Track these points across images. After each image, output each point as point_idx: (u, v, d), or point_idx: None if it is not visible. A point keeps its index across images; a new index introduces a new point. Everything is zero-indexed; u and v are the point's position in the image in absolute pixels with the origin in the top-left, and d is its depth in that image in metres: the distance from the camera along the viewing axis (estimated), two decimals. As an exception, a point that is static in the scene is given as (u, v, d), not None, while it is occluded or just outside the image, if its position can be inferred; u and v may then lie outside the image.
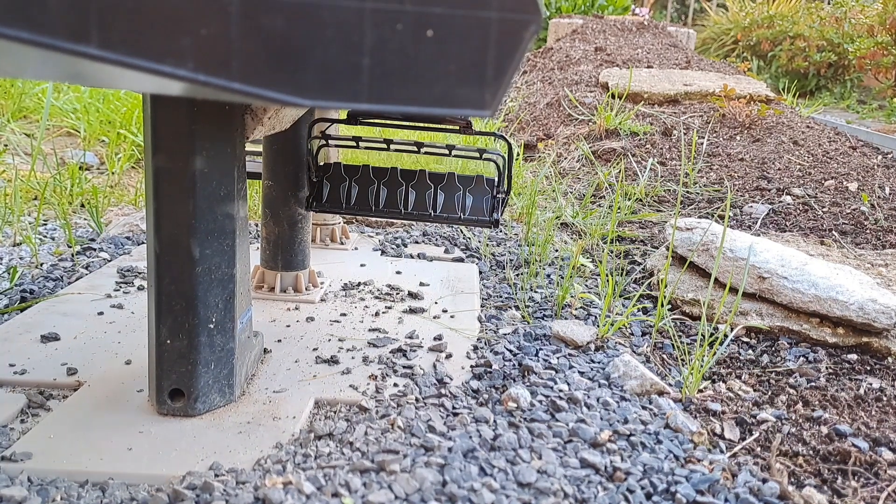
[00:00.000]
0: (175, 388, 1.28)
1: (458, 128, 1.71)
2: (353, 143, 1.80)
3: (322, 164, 1.86)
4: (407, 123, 1.80)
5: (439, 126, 1.74)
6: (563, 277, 2.16)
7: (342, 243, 2.45)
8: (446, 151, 1.75)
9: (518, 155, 3.72)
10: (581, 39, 7.27)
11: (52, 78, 0.81)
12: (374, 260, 2.32)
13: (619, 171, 3.50)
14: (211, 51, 0.59)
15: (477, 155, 1.77)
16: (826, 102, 8.53)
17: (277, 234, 1.88)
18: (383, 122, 1.92)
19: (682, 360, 1.71)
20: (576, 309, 1.95)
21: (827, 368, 1.69)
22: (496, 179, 1.80)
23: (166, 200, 1.21)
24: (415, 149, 1.74)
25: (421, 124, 1.78)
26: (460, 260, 2.40)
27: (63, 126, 3.74)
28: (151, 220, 1.23)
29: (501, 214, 1.78)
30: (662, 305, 1.79)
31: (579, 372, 1.57)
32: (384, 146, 1.76)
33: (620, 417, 1.39)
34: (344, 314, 1.83)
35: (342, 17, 0.61)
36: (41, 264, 2.11)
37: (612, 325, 1.78)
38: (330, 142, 1.84)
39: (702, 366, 1.59)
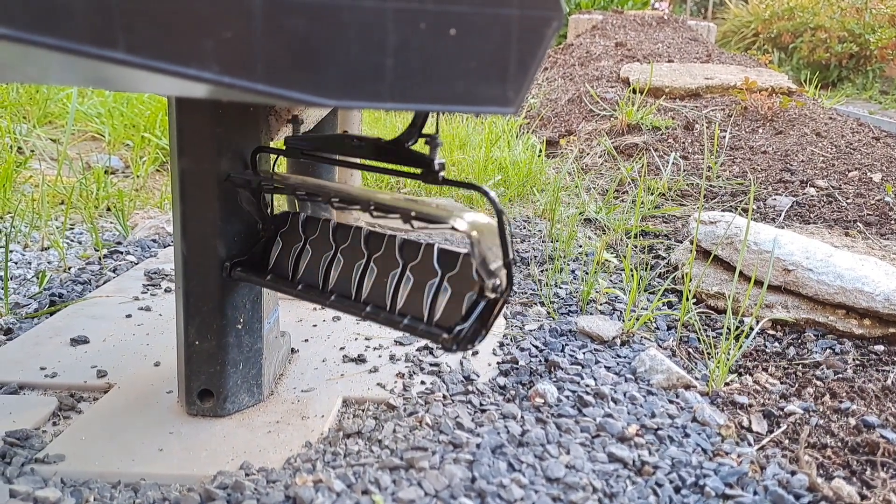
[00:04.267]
0: (204, 389, 1.29)
1: (419, 171, 1.05)
2: (288, 190, 1.23)
3: (278, 212, 1.32)
4: (361, 162, 1.20)
5: (395, 169, 1.10)
6: (587, 273, 2.16)
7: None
8: (399, 216, 1.05)
9: (541, 152, 3.72)
10: (601, 35, 7.24)
11: (77, 83, 0.82)
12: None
13: (642, 166, 3.49)
14: (235, 53, 0.60)
15: (448, 226, 0.98)
16: (848, 93, 8.45)
17: (302, 235, 1.89)
18: (326, 158, 1.28)
19: (708, 353, 1.70)
20: (601, 304, 1.95)
21: (854, 360, 1.68)
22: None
23: (193, 202, 1.22)
24: (358, 208, 1.11)
25: (376, 164, 1.16)
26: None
27: (88, 131, 3.77)
28: (178, 222, 1.23)
29: (488, 330, 1.04)
30: (687, 299, 1.79)
31: (605, 367, 1.57)
32: (318, 196, 1.17)
33: (647, 412, 1.38)
34: (369, 313, 1.84)
35: (364, 17, 0.61)
36: (69, 268, 2.13)
37: (637, 319, 1.78)
38: (265, 185, 1.23)
39: (728, 359, 1.58)
